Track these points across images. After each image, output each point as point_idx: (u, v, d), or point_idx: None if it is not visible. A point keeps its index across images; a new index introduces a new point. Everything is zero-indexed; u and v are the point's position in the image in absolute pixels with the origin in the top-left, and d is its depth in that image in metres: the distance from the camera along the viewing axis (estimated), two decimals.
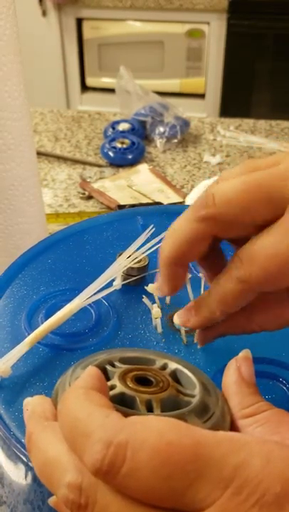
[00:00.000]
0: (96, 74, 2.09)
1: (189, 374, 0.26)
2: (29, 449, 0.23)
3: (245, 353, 0.27)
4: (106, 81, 2.03)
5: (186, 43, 1.95)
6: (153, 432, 0.20)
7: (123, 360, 0.27)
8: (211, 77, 2.01)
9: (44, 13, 1.96)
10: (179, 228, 0.30)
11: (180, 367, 0.27)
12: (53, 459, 0.21)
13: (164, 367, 0.27)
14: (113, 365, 0.26)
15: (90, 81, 2.11)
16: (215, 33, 1.91)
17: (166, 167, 0.92)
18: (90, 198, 0.83)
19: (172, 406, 0.24)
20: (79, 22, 1.99)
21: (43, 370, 0.32)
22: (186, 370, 0.27)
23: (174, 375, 0.27)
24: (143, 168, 0.90)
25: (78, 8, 1.94)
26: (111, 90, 1.22)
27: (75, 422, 0.21)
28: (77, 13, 1.96)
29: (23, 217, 0.54)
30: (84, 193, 0.84)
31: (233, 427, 0.24)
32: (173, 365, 0.27)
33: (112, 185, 0.85)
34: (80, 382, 0.23)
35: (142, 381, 0.25)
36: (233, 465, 0.19)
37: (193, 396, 0.25)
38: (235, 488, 0.19)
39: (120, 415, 0.21)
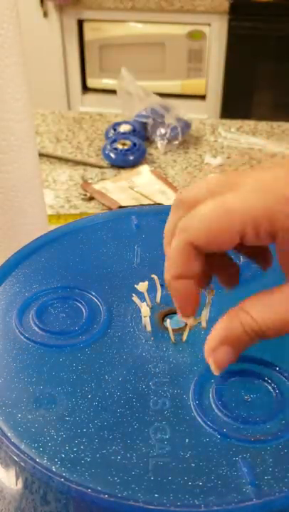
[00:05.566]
0: (97, 75, 2.09)
1: None
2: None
3: None
4: (107, 82, 2.04)
5: (187, 44, 1.96)
6: None
7: None
8: (212, 79, 2.02)
9: (45, 15, 1.97)
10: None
11: None
12: None
13: None
14: None
15: (91, 82, 2.12)
16: (216, 34, 1.91)
17: (167, 168, 0.92)
18: (91, 199, 0.83)
19: None
20: (80, 23, 2.00)
21: (31, 367, 0.33)
22: None
23: None
24: (144, 169, 0.91)
25: (79, 10, 1.95)
26: (112, 91, 1.22)
27: None
28: (79, 15, 1.97)
29: (25, 218, 0.55)
30: (85, 195, 0.84)
31: None
32: None
33: (114, 187, 0.85)
34: None
35: None
36: None
37: None
38: None
39: None
